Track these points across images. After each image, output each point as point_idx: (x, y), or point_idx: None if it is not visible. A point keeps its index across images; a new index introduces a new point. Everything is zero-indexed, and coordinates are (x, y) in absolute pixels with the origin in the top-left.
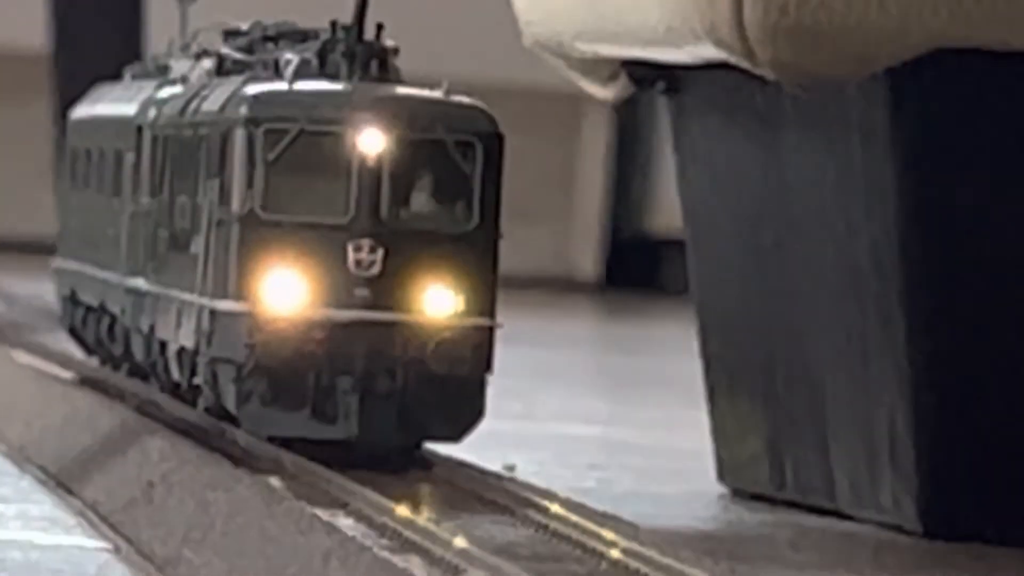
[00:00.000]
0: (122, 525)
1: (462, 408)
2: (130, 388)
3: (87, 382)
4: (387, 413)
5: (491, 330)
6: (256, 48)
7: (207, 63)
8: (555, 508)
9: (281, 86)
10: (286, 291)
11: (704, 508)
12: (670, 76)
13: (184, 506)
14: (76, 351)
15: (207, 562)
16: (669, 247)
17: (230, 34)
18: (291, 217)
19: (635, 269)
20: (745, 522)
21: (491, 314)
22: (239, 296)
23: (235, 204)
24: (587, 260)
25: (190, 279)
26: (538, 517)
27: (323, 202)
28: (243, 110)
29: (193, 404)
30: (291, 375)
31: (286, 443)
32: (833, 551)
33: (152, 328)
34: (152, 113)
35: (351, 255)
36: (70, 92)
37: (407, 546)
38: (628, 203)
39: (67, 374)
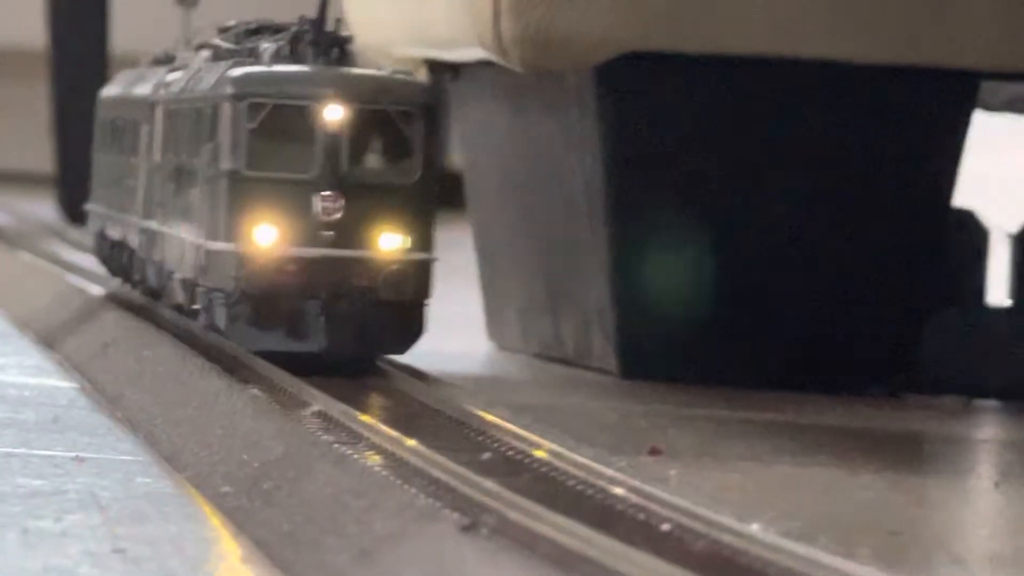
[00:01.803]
0: (86, 372)
1: (406, 327)
2: (100, 279)
3: (72, 274)
4: (347, 330)
5: (430, 263)
6: (241, 40)
7: (205, 53)
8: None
9: (260, 69)
10: (266, 233)
11: (481, 361)
12: (454, 68)
13: (127, 359)
14: (63, 252)
15: (141, 397)
16: None
17: (222, 30)
18: (269, 174)
19: None
20: (508, 367)
21: (430, 250)
22: (228, 237)
23: (224, 163)
24: None
25: (190, 223)
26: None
27: (294, 161)
28: (229, 88)
29: (196, 319)
30: (270, 301)
31: (265, 355)
32: (568, 383)
33: (163, 260)
34: (161, 92)
35: (318, 204)
36: (61, 79)
37: (275, 389)
38: None
39: (58, 269)
